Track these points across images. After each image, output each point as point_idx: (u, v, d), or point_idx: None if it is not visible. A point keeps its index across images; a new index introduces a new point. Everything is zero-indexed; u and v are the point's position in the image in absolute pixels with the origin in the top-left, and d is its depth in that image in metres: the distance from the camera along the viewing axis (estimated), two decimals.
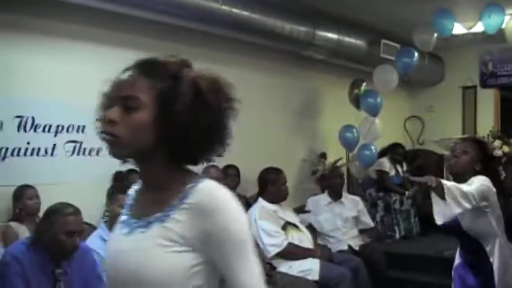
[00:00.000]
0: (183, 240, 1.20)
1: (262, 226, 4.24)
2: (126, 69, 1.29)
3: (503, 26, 5.56)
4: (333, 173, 5.52)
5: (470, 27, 5.78)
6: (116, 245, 1.30)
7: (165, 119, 1.23)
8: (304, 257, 4.24)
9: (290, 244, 4.24)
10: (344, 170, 6.29)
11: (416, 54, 6.30)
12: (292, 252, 4.22)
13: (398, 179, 6.48)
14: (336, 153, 6.52)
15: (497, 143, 7.69)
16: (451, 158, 3.07)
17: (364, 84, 6.59)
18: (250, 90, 5.84)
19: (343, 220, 5.00)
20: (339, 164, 6.32)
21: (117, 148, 1.25)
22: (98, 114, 1.28)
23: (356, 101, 6.56)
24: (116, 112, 1.23)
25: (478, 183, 2.89)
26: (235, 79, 5.85)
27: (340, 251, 4.81)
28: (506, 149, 7.61)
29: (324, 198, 5.20)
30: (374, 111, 6.36)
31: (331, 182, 5.33)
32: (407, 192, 5.97)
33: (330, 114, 6.86)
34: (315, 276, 4.07)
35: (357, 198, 5.36)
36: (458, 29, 5.84)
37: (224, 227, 1.20)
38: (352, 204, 5.11)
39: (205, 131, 1.26)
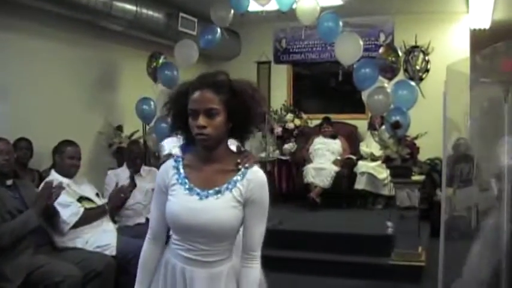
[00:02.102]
0: (242, 201, 1.92)
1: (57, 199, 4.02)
2: (196, 87, 1.90)
3: (294, 6, 5.77)
4: (130, 146, 5.45)
5: (265, 5, 5.90)
6: (190, 204, 1.90)
7: (231, 117, 1.91)
8: (100, 215, 4.23)
9: (86, 209, 4.16)
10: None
11: (219, 30, 6.32)
12: (89, 216, 4.14)
13: None
14: (133, 125, 6.50)
15: (289, 116, 8.16)
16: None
17: (162, 57, 6.50)
18: (45, 61, 5.49)
19: (143, 193, 4.92)
20: (135, 136, 6.30)
21: (209, 142, 1.91)
22: (190, 122, 1.90)
23: (154, 74, 6.54)
24: (203, 120, 1.87)
25: None
26: (27, 48, 5.23)
27: (139, 224, 4.79)
28: (297, 122, 8.12)
29: (124, 171, 5.10)
30: (171, 84, 6.34)
31: (130, 152, 5.27)
32: None
33: (128, 86, 6.78)
34: (112, 251, 4.03)
35: (155, 170, 5.24)
36: (253, 6, 5.94)
37: (261, 198, 1.95)
38: (150, 177, 5.04)
39: (256, 118, 1.96)
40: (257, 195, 1.92)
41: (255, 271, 1.98)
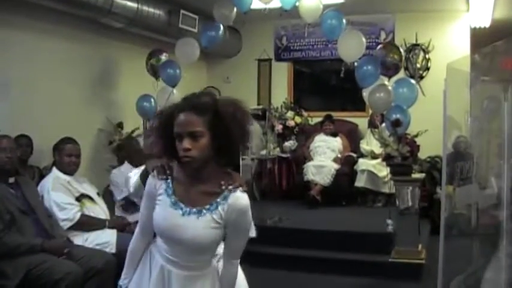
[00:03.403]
0: (222, 223, 1.99)
1: (54, 198, 4.11)
2: (181, 110, 1.95)
3: (297, 4, 5.77)
4: (130, 143, 5.47)
5: (268, 3, 5.90)
6: (173, 219, 1.99)
7: (216, 138, 1.95)
8: (98, 228, 4.21)
9: (83, 216, 4.17)
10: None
11: (221, 28, 6.31)
12: (85, 223, 4.16)
13: None
14: (133, 122, 6.47)
15: (290, 114, 8.17)
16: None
17: (164, 54, 6.54)
18: (45, 58, 5.50)
19: None
20: (135, 133, 6.27)
21: (194, 163, 1.96)
22: (177, 145, 1.96)
23: (153, 71, 6.50)
24: (188, 143, 1.93)
25: None
26: (28, 45, 5.24)
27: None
28: (298, 119, 8.13)
29: (127, 168, 5.07)
30: (173, 82, 6.37)
31: (130, 148, 5.30)
32: None
33: (128, 83, 6.78)
34: (112, 248, 4.04)
35: None
36: (256, 3, 5.93)
37: (241, 222, 2.02)
38: None
39: (239, 137, 1.98)
40: (237, 221, 2.00)
41: (234, 273, 2.13)
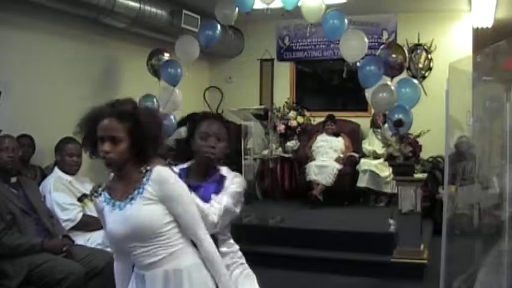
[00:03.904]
0: (155, 198, 2.12)
1: (56, 199, 4.12)
2: (104, 115, 2.13)
3: (299, 4, 5.77)
4: None
5: (270, 3, 5.90)
6: (115, 218, 2.14)
7: (134, 142, 2.13)
8: (100, 228, 4.12)
9: (85, 216, 4.17)
10: None
11: (219, 27, 6.31)
12: (87, 224, 4.15)
13: None
14: None
15: (292, 114, 8.17)
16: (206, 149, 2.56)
17: (165, 54, 6.55)
18: (47, 57, 5.51)
19: None
20: None
21: (113, 165, 2.16)
22: (98, 146, 2.13)
23: (154, 71, 6.51)
24: (108, 146, 2.11)
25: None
26: (30, 45, 5.22)
27: None
28: (300, 119, 8.13)
29: None
30: (174, 81, 6.37)
31: None
32: None
33: (130, 83, 6.77)
34: None
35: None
36: (258, 4, 5.93)
37: (173, 190, 2.15)
38: None
39: (153, 140, 2.18)
40: (167, 190, 2.14)
41: (209, 250, 2.18)
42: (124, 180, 2.18)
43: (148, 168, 2.14)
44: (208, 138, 2.53)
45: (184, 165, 2.61)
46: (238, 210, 2.54)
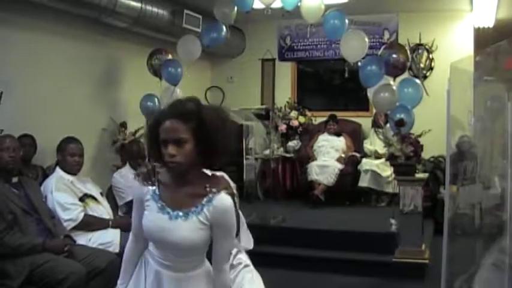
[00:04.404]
0: (208, 223, 2.05)
1: (57, 198, 4.11)
2: (166, 117, 2.02)
3: (299, 4, 5.77)
4: (133, 143, 5.49)
5: (270, 3, 5.90)
6: (160, 223, 2.05)
7: (200, 144, 2.02)
8: (102, 227, 4.22)
9: (86, 216, 4.17)
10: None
11: (224, 28, 6.32)
12: (89, 223, 4.17)
13: None
14: (136, 122, 6.48)
15: (293, 113, 8.17)
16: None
17: (166, 54, 6.57)
18: (49, 57, 5.52)
19: None
20: (139, 133, 6.27)
21: (179, 168, 2.04)
22: (162, 150, 2.03)
23: (154, 71, 6.52)
24: (173, 149, 2.01)
25: None
26: (31, 45, 5.25)
27: None
28: (301, 119, 8.13)
29: (128, 171, 5.12)
30: (175, 81, 6.37)
31: (130, 152, 5.31)
32: None
33: (132, 83, 6.79)
34: (115, 248, 4.05)
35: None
36: (258, 3, 5.94)
37: (226, 223, 2.07)
38: None
39: (221, 143, 2.05)
40: (222, 221, 2.06)
41: (225, 280, 2.15)
42: (184, 188, 2.08)
43: (214, 190, 2.05)
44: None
45: None
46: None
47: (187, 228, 2.03)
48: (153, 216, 2.07)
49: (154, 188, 2.10)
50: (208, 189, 2.05)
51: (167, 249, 2.06)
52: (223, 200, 2.04)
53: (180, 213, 2.04)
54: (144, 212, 2.10)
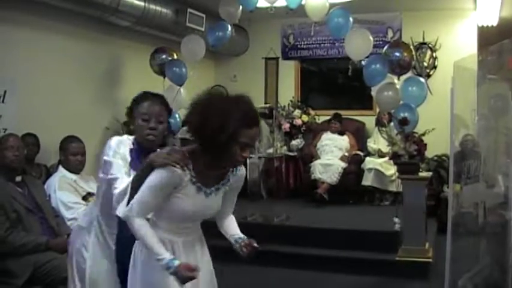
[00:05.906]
0: (229, 188, 2.36)
1: (60, 197, 4.10)
2: (252, 124, 2.15)
3: (303, 3, 5.77)
4: None
5: (274, 2, 5.90)
6: (200, 203, 2.25)
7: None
8: None
9: None
10: None
11: (229, 27, 6.32)
12: None
13: None
14: None
15: (297, 112, 8.17)
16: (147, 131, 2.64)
17: (168, 53, 6.57)
18: (52, 56, 5.53)
19: None
20: None
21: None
22: (235, 150, 2.15)
23: (158, 69, 6.53)
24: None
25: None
26: (34, 44, 5.25)
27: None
28: (305, 118, 8.13)
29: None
30: (180, 81, 6.38)
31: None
32: None
33: (135, 81, 6.75)
34: None
35: None
36: (262, 2, 5.94)
37: (241, 184, 2.44)
38: None
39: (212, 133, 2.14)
40: (240, 184, 2.42)
41: (235, 221, 2.51)
42: (218, 171, 2.29)
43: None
44: (150, 120, 2.58)
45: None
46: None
47: (218, 200, 2.32)
48: (192, 199, 2.23)
49: (190, 172, 2.21)
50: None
51: (195, 221, 2.34)
52: (243, 169, 2.38)
53: (213, 189, 2.28)
54: (179, 196, 2.20)
